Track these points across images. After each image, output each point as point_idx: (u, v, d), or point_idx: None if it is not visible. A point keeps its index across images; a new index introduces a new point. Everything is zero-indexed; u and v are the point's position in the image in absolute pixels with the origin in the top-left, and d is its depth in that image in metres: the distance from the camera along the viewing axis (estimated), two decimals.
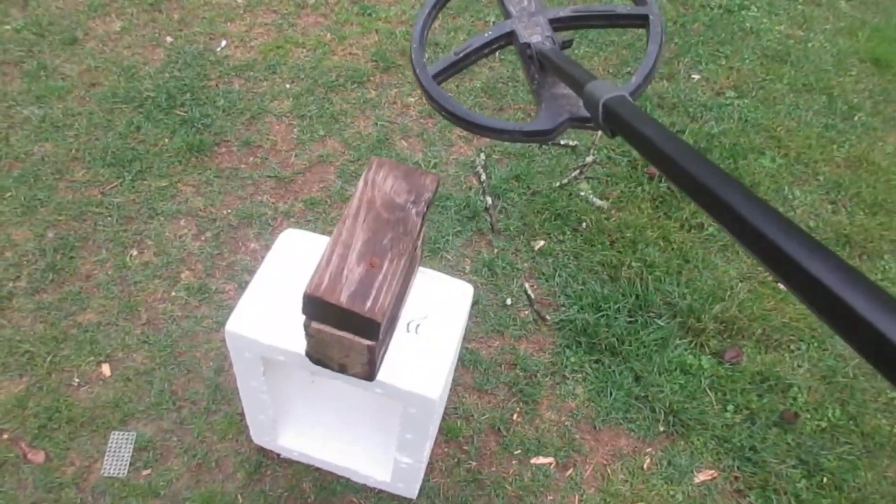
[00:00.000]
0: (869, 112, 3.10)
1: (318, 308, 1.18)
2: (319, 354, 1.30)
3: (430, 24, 1.17)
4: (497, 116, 2.88)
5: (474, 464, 1.99)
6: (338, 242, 1.22)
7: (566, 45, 1.10)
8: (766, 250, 0.49)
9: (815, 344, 2.28)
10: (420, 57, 1.11)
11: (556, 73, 1.02)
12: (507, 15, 1.14)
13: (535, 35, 1.10)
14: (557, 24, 1.12)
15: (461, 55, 1.11)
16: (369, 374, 1.31)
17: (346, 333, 1.21)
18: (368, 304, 1.15)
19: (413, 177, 1.32)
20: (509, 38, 1.13)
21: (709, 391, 2.15)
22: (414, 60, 1.11)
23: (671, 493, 1.97)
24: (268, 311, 1.49)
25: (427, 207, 1.29)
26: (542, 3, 1.16)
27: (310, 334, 1.25)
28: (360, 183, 1.31)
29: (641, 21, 1.09)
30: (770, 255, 0.49)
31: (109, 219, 2.40)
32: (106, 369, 2.07)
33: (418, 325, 1.51)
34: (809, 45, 3.40)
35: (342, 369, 1.32)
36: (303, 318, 1.23)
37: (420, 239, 1.32)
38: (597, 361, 2.20)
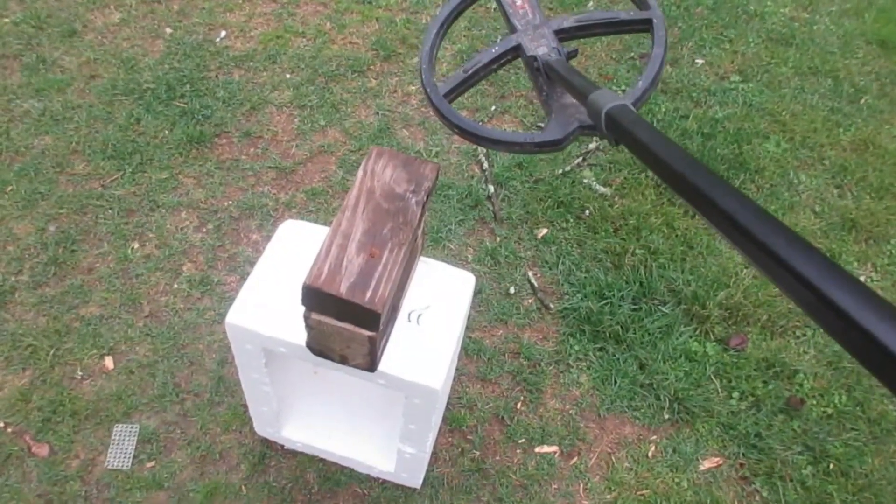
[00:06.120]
0: (875, 95, 3.07)
1: (317, 299, 1.17)
2: (320, 346, 1.30)
3: (439, 44, 1.18)
4: (499, 103, 2.85)
5: (478, 453, 1.98)
6: (337, 233, 1.21)
7: (571, 55, 1.11)
8: (765, 259, 0.52)
9: (821, 330, 2.26)
10: (430, 77, 1.12)
11: (562, 83, 1.03)
12: (513, 29, 1.15)
13: (542, 47, 1.11)
14: (562, 34, 1.13)
15: (470, 72, 1.13)
16: (370, 364, 1.30)
17: (347, 324, 1.20)
18: (368, 294, 1.14)
19: (412, 166, 1.31)
20: (516, 51, 1.14)
21: (714, 378, 2.14)
22: (424, 81, 1.12)
23: (676, 480, 1.96)
24: (268, 303, 1.49)
25: (427, 197, 1.27)
26: (546, 16, 1.16)
27: (310, 325, 1.24)
28: (360, 173, 1.29)
29: (645, 25, 1.10)
30: (768, 261, 0.51)
31: (110, 211, 2.40)
32: (109, 362, 2.07)
33: (420, 315, 1.50)
34: (815, 27, 3.36)
35: (343, 360, 1.31)
36: (303, 309, 1.22)
37: (420, 228, 1.30)
38: (601, 349, 2.19)
